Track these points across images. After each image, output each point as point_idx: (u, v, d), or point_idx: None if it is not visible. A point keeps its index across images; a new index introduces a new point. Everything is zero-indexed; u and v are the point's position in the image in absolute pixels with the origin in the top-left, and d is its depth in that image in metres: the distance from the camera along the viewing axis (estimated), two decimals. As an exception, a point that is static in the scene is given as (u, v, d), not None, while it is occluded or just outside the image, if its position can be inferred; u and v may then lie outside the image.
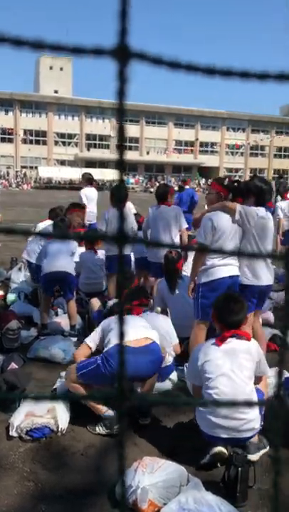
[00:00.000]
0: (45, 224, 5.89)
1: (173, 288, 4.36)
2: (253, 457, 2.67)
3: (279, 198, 8.40)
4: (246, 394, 2.61)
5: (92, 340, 3.24)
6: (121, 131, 0.20)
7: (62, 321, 5.01)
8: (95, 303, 4.91)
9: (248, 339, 2.79)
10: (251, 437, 2.68)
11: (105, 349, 3.07)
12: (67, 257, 4.79)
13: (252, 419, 2.61)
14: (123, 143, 0.20)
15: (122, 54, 0.19)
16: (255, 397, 2.66)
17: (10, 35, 0.20)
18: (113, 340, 3.03)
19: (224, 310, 2.81)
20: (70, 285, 4.82)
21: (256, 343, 2.89)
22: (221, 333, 2.78)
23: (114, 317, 3.48)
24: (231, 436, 2.60)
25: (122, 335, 0.24)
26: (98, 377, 3.00)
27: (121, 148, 0.20)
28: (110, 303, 4.31)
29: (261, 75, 0.21)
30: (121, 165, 0.20)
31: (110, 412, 3.04)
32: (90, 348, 3.23)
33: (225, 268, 3.65)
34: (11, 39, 0.20)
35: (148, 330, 3.20)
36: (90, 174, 8.52)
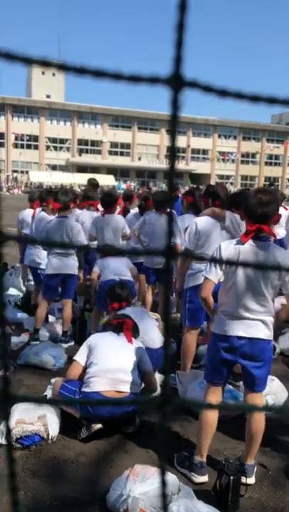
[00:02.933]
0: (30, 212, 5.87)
1: None
2: (251, 480, 2.65)
3: None
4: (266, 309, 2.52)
5: (82, 358, 3.23)
6: (173, 155, 0.20)
7: (54, 327, 4.98)
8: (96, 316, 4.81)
9: (274, 238, 2.54)
10: (265, 344, 2.57)
11: (84, 387, 3.07)
12: (72, 256, 4.77)
13: (265, 320, 2.55)
14: (174, 165, 0.20)
15: (176, 82, 0.19)
16: (272, 316, 2.57)
17: (64, 62, 0.20)
18: (94, 379, 3.04)
19: (251, 201, 2.52)
20: (72, 285, 4.83)
21: (282, 250, 2.64)
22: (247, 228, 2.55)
23: (99, 335, 3.41)
24: (248, 334, 2.51)
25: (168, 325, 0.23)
26: (72, 407, 3.08)
27: (171, 173, 0.20)
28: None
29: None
30: (170, 185, 0.21)
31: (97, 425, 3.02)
32: (81, 365, 3.21)
33: None
34: (73, 67, 0.20)
35: (126, 374, 3.09)
36: (94, 179, 8.33)
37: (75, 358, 3.28)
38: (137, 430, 3.11)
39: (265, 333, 2.56)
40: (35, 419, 2.99)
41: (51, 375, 3.83)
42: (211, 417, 2.65)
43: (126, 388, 3.05)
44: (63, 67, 0.21)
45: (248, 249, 2.51)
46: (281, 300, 2.99)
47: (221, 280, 2.61)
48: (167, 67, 0.19)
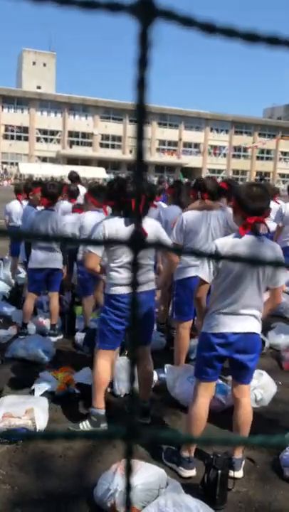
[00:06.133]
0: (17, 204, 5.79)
1: None
2: (239, 474, 2.65)
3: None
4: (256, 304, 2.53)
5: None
6: (142, 111, 0.16)
7: (42, 320, 4.93)
8: (89, 307, 4.75)
9: (268, 232, 2.53)
10: (257, 337, 2.58)
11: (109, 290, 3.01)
12: (57, 250, 4.70)
13: (256, 314, 2.55)
14: (144, 124, 0.16)
15: (146, 11, 0.15)
16: (261, 310, 2.57)
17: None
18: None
19: (245, 195, 2.47)
20: (57, 278, 4.79)
21: (276, 245, 2.64)
22: (244, 222, 2.49)
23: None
24: (243, 329, 2.51)
25: (132, 377, 0.20)
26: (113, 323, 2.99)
27: (140, 128, 0.16)
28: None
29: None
30: (140, 157, 0.17)
31: (101, 411, 2.99)
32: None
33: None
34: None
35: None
36: (74, 172, 8.25)
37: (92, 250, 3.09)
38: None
39: (257, 326, 2.57)
40: (22, 413, 2.95)
41: (39, 369, 3.79)
42: (201, 411, 2.63)
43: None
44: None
45: (245, 243, 2.48)
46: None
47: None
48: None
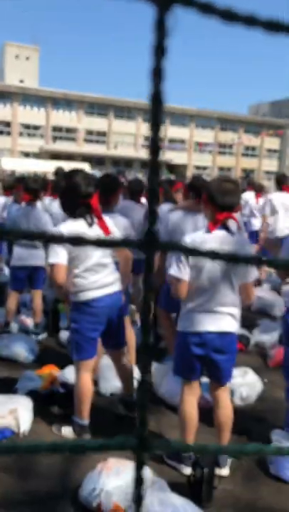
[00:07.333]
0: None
1: None
2: (225, 472, 2.64)
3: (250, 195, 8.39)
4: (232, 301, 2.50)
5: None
6: (158, 101, 0.14)
7: (26, 318, 4.87)
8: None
9: (239, 228, 2.50)
10: (233, 336, 2.56)
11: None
12: (39, 248, 4.62)
13: (233, 313, 2.52)
14: (159, 118, 0.15)
15: None
16: (238, 307, 2.54)
17: None
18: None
19: (218, 189, 2.46)
20: (40, 276, 4.71)
21: (245, 236, 2.61)
22: (214, 217, 2.47)
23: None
24: (219, 328, 2.47)
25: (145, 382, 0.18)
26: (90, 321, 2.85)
27: (156, 120, 0.14)
28: None
29: None
30: (155, 150, 0.15)
31: (84, 422, 2.89)
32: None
33: None
34: None
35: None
36: (61, 168, 8.15)
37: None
38: (109, 423, 3.07)
39: (233, 325, 2.54)
40: (6, 412, 2.92)
41: (23, 368, 3.74)
42: (189, 410, 2.62)
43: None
44: None
45: (215, 239, 2.45)
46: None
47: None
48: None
